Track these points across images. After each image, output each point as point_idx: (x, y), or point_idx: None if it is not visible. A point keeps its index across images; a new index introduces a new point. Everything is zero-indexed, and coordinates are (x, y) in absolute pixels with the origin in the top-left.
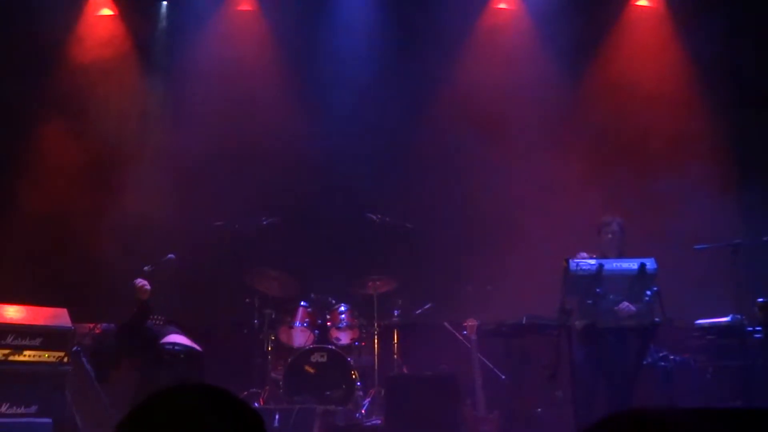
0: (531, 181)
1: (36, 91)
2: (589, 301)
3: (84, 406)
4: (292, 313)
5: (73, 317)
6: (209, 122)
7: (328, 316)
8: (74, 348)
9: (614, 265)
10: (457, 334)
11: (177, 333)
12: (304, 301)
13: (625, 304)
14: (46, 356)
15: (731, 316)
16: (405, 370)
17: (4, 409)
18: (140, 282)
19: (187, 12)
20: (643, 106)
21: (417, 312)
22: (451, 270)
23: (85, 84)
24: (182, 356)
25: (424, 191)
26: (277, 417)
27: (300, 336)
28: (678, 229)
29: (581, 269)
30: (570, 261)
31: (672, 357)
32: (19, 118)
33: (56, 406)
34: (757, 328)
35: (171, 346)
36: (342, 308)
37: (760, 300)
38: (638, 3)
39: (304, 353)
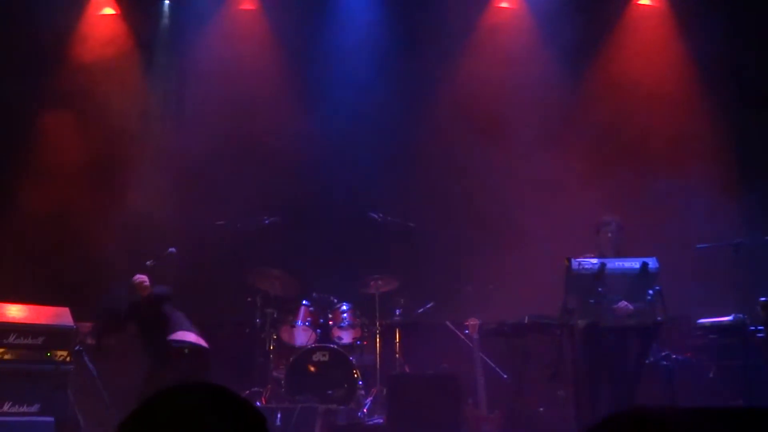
0: (532, 181)
1: (38, 90)
2: (591, 301)
3: (86, 405)
4: (294, 313)
5: (75, 316)
6: (211, 121)
7: (330, 316)
8: (76, 347)
9: (616, 264)
10: (459, 334)
11: (184, 323)
12: (306, 300)
13: (624, 303)
14: (48, 355)
15: (733, 315)
16: (407, 370)
17: (6, 408)
18: (138, 278)
19: (188, 11)
20: (644, 105)
21: (419, 311)
22: (452, 269)
23: (87, 83)
24: (187, 352)
25: (426, 190)
26: (279, 416)
27: (302, 335)
28: (680, 229)
29: (583, 268)
30: (572, 260)
31: (674, 356)
32: (21, 117)
33: (58, 405)
34: (759, 328)
35: (177, 344)
36: (344, 307)
37: (762, 299)
38: (640, 2)
39: (306, 352)
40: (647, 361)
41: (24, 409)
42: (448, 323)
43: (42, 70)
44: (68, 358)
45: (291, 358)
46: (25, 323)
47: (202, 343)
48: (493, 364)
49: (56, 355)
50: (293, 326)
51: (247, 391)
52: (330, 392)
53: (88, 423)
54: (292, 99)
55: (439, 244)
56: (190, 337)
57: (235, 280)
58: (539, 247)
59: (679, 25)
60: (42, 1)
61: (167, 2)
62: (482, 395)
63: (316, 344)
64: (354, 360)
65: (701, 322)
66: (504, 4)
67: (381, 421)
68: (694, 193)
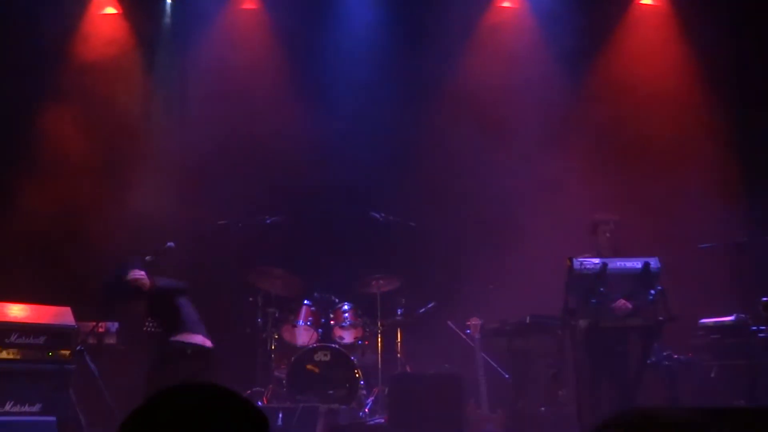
0: (534, 180)
1: (40, 89)
2: (593, 300)
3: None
4: (296, 312)
5: (77, 316)
6: (212, 120)
7: (331, 315)
8: (78, 347)
9: (618, 264)
10: (460, 333)
11: (194, 321)
12: (308, 300)
13: (622, 301)
14: (49, 355)
15: (735, 315)
16: (408, 369)
17: (8, 407)
18: (133, 275)
19: (190, 10)
20: (646, 105)
21: (420, 311)
22: (454, 269)
23: (89, 82)
24: (190, 353)
25: (428, 190)
26: (280, 416)
27: (303, 335)
28: (682, 228)
29: (585, 268)
30: (574, 260)
31: (676, 356)
32: (23, 115)
33: (60, 404)
34: (762, 327)
35: (180, 344)
36: (345, 307)
37: (764, 299)
38: (642, 2)
39: (308, 352)
40: (649, 361)
41: (26, 408)
42: (449, 323)
43: (44, 70)
44: (70, 358)
45: (292, 358)
46: (27, 323)
47: (207, 344)
48: (494, 364)
49: (58, 355)
50: (295, 326)
51: (249, 391)
52: (331, 392)
53: (89, 422)
54: (293, 98)
55: (440, 243)
56: (196, 338)
57: (237, 279)
58: (541, 246)
59: (681, 24)
60: (44, 0)
61: (169, 1)
62: (484, 395)
63: (318, 344)
64: (355, 360)
65: (703, 322)
66: (506, 4)
67: (382, 420)
68: (696, 193)
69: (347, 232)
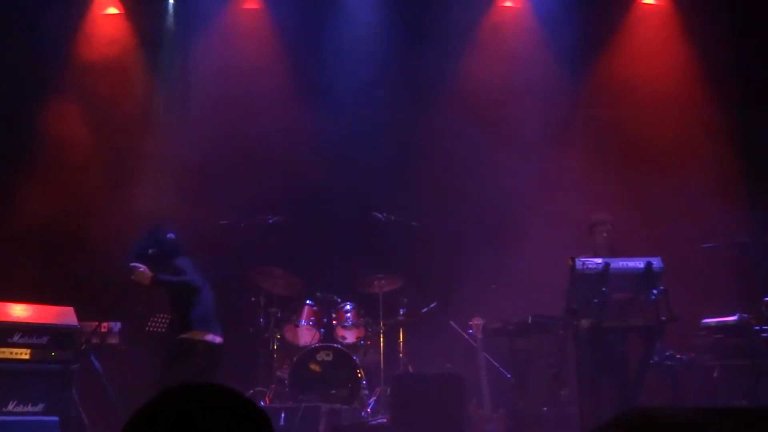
0: (536, 180)
1: (42, 89)
2: (596, 300)
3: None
4: (298, 312)
5: (80, 316)
6: (214, 120)
7: (333, 315)
8: (83, 347)
9: (620, 264)
10: (462, 333)
11: (209, 315)
12: (310, 300)
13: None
14: (52, 354)
15: (738, 315)
16: (410, 369)
17: (11, 407)
18: (133, 266)
19: (192, 10)
20: (648, 105)
21: (423, 311)
22: (456, 269)
23: (91, 82)
24: (200, 349)
25: (430, 190)
26: (282, 416)
27: (305, 334)
28: (684, 228)
29: (587, 268)
30: (576, 260)
31: (678, 356)
32: (26, 116)
33: (63, 404)
34: (764, 327)
35: (189, 340)
36: (347, 307)
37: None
38: (644, 1)
39: (310, 352)
40: (651, 361)
41: (29, 408)
42: (451, 323)
43: (46, 70)
44: (72, 358)
45: (294, 358)
46: (30, 323)
47: (217, 340)
48: (496, 364)
49: (60, 355)
50: (297, 326)
51: (251, 391)
52: (334, 392)
53: (92, 422)
54: (295, 98)
55: (442, 243)
56: (207, 336)
57: (239, 279)
58: (543, 246)
59: (683, 24)
60: (46, 1)
61: (171, 2)
62: (486, 395)
63: (320, 344)
64: (357, 359)
65: (706, 322)
66: (507, 4)
67: (385, 420)
68: (698, 192)
69: (349, 231)
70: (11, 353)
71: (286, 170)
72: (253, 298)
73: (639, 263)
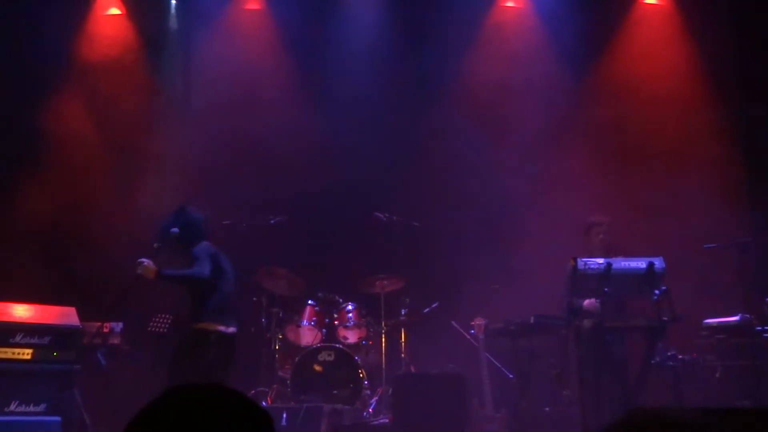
0: (538, 180)
1: (44, 90)
2: (598, 301)
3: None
4: (300, 312)
5: (82, 316)
6: (216, 120)
7: (335, 315)
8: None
9: (622, 264)
10: (464, 333)
11: (225, 305)
12: (312, 300)
13: (591, 300)
14: (54, 355)
15: (740, 315)
16: (412, 369)
17: (13, 407)
18: (139, 261)
19: (194, 11)
20: (650, 104)
21: (424, 311)
22: (458, 269)
23: (94, 82)
24: (213, 339)
25: (432, 190)
26: (284, 416)
27: (307, 335)
28: (687, 228)
29: (589, 268)
30: (578, 260)
31: (680, 356)
32: (28, 116)
33: (65, 404)
34: (766, 328)
35: (202, 330)
36: (349, 307)
37: None
38: (645, 1)
39: (312, 352)
40: (653, 362)
41: (31, 408)
42: (453, 323)
43: (48, 70)
44: (74, 358)
45: (296, 358)
46: (32, 323)
47: (229, 331)
48: (498, 364)
49: (62, 355)
50: (299, 326)
51: (253, 391)
52: (335, 392)
53: (94, 422)
54: (297, 98)
55: (444, 243)
56: (220, 327)
57: (241, 279)
58: (545, 246)
59: (684, 23)
60: (48, 2)
61: (173, 2)
62: (488, 395)
63: (322, 344)
64: (359, 360)
65: (708, 322)
66: (509, 3)
67: (386, 420)
68: (700, 192)
69: (351, 232)
70: (13, 353)
71: (287, 170)
72: (255, 298)
73: (641, 263)
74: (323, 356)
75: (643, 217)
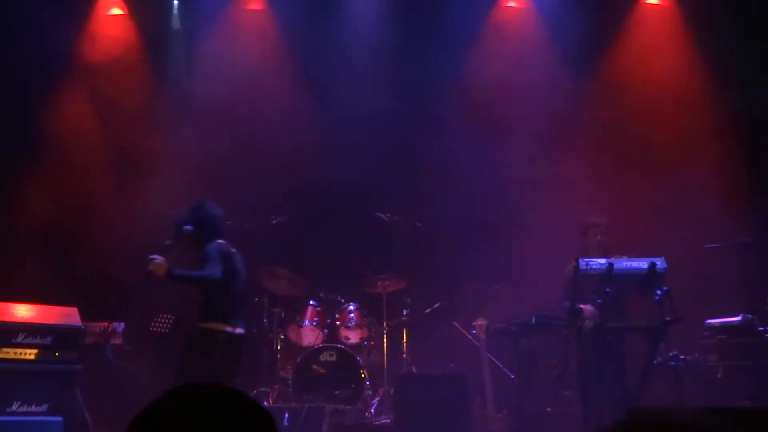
0: (539, 180)
1: (46, 90)
2: (599, 301)
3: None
4: (301, 312)
5: (84, 316)
6: (218, 120)
7: (337, 315)
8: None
9: (624, 264)
10: (466, 334)
11: (234, 305)
12: (313, 300)
13: (590, 307)
14: (56, 355)
15: (742, 315)
16: (414, 370)
17: (15, 407)
18: (151, 257)
19: (196, 11)
20: (652, 104)
21: (426, 311)
22: (459, 269)
23: (96, 82)
24: (220, 338)
25: (433, 190)
26: (286, 416)
27: (309, 335)
28: (688, 228)
29: (591, 269)
30: (580, 260)
31: (682, 356)
32: (30, 116)
33: (67, 404)
34: None
35: (209, 330)
36: (351, 307)
37: None
38: (647, 1)
39: (313, 352)
40: (655, 362)
41: (32, 408)
42: (455, 323)
43: (50, 70)
44: (76, 358)
45: (298, 358)
46: (34, 323)
47: (237, 331)
48: (500, 364)
49: (64, 355)
50: (300, 326)
51: (255, 391)
52: (337, 392)
53: (96, 422)
54: (299, 98)
55: (446, 243)
56: (228, 327)
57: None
58: (547, 247)
59: (686, 24)
60: (49, 2)
61: (175, 2)
62: (489, 395)
63: (324, 344)
64: (361, 360)
65: (710, 323)
66: (511, 3)
67: (388, 421)
68: (702, 192)
69: (353, 232)
70: (15, 353)
71: (289, 170)
72: (256, 299)
73: (643, 263)
74: (325, 356)
75: (643, 217)
